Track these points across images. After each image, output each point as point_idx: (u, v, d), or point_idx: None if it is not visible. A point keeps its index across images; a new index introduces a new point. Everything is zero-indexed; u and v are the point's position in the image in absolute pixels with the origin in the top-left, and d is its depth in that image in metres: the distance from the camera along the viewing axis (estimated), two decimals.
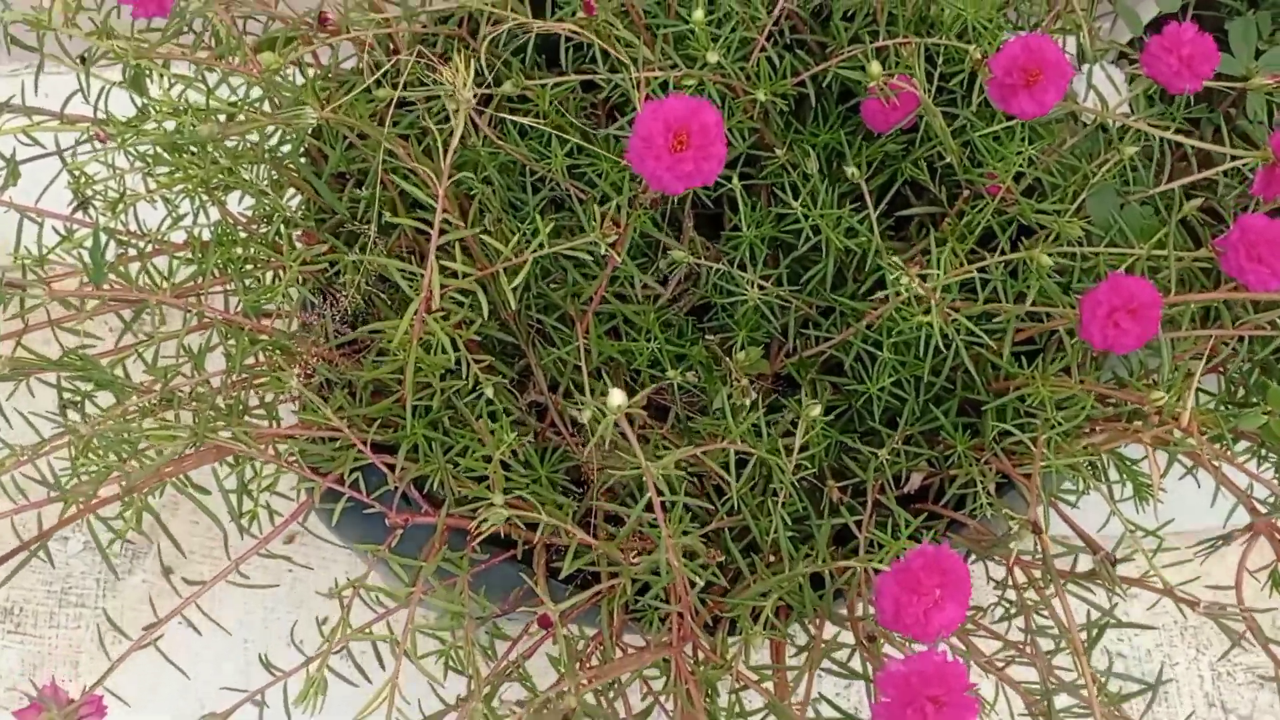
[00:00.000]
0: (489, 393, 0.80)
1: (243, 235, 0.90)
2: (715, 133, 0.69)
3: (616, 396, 0.66)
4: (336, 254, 0.88)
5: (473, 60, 0.90)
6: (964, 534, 0.85)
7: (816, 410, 0.78)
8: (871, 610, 0.77)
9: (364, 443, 0.78)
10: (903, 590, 0.65)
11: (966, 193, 0.92)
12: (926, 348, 0.80)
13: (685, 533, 0.80)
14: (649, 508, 0.71)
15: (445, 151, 0.73)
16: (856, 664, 0.81)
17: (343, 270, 0.87)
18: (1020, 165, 0.87)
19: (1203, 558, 0.94)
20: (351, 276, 0.87)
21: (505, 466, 0.87)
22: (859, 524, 0.82)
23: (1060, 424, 0.80)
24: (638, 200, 0.79)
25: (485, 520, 0.74)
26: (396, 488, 0.79)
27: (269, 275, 0.90)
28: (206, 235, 0.90)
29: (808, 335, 0.92)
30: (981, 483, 0.82)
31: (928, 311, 0.78)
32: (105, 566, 0.84)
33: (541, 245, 0.77)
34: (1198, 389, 0.84)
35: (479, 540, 0.78)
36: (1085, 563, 0.79)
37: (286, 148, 0.89)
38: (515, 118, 0.78)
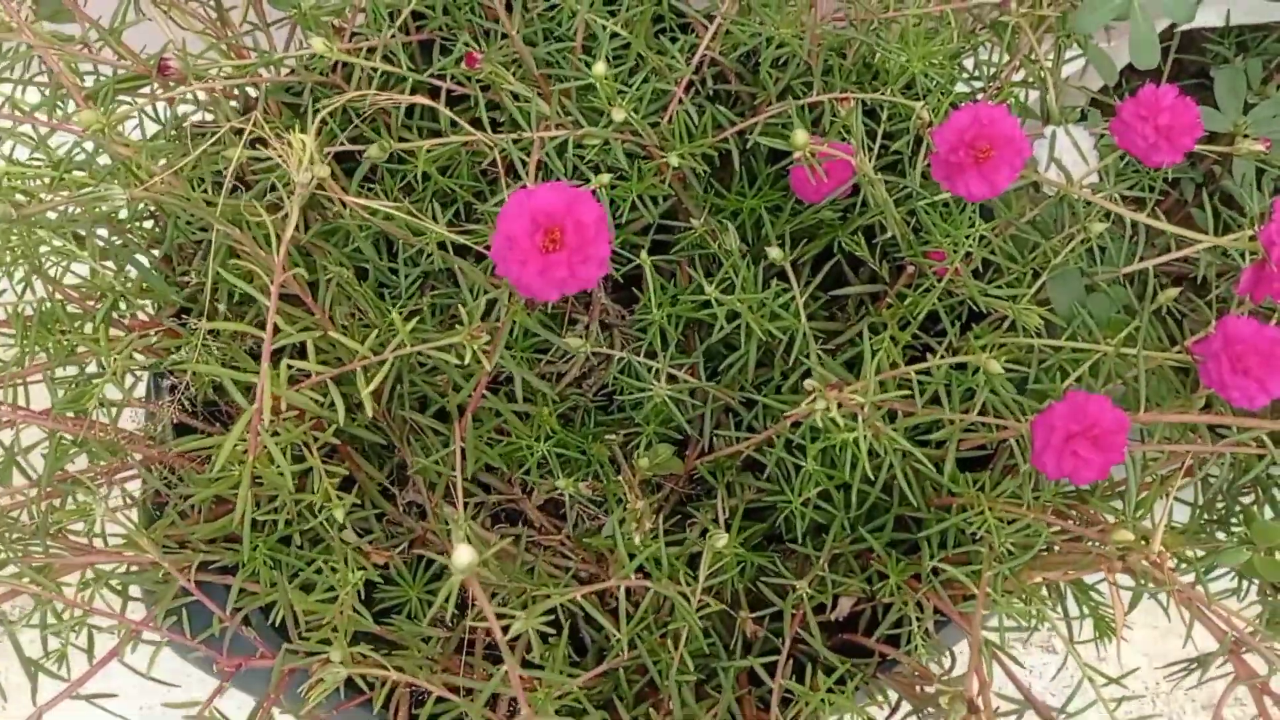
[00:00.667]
0: (339, 516, 0.68)
1: (74, 312, 0.78)
2: (594, 231, 0.57)
3: (463, 555, 0.54)
4: (178, 339, 0.76)
5: (330, 121, 0.78)
6: (896, 674, 0.73)
7: (722, 541, 0.66)
8: None
9: (189, 571, 0.66)
10: None
11: (910, 269, 0.80)
12: (853, 466, 0.68)
13: (573, 670, 0.68)
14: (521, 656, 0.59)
15: (279, 243, 0.61)
16: None
17: (183, 357, 0.75)
18: (970, 245, 0.75)
19: (1172, 686, 0.82)
20: (190, 371, 0.75)
21: (371, 586, 0.76)
22: (774, 666, 0.70)
23: (1010, 554, 0.68)
24: (515, 297, 0.67)
25: (320, 679, 0.62)
26: (226, 627, 0.67)
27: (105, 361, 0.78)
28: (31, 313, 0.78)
29: (725, 433, 0.80)
30: (918, 620, 0.70)
31: (855, 421, 0.67)
32: None
33: (403, 344, 0.65)
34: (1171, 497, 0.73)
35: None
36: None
37: (125, 212, 0.77)
38: (373, 202, 0.65)
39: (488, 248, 0.79)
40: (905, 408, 0.71)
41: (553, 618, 0.73)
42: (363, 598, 0.75)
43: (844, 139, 0.77)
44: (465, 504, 0.83)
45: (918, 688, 0.71)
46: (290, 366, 0.66)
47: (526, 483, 0.83)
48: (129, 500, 0.77)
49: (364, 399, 0.65)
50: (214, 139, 0.73)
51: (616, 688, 0.74)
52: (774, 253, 0.74)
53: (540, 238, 0.57)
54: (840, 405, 0.61)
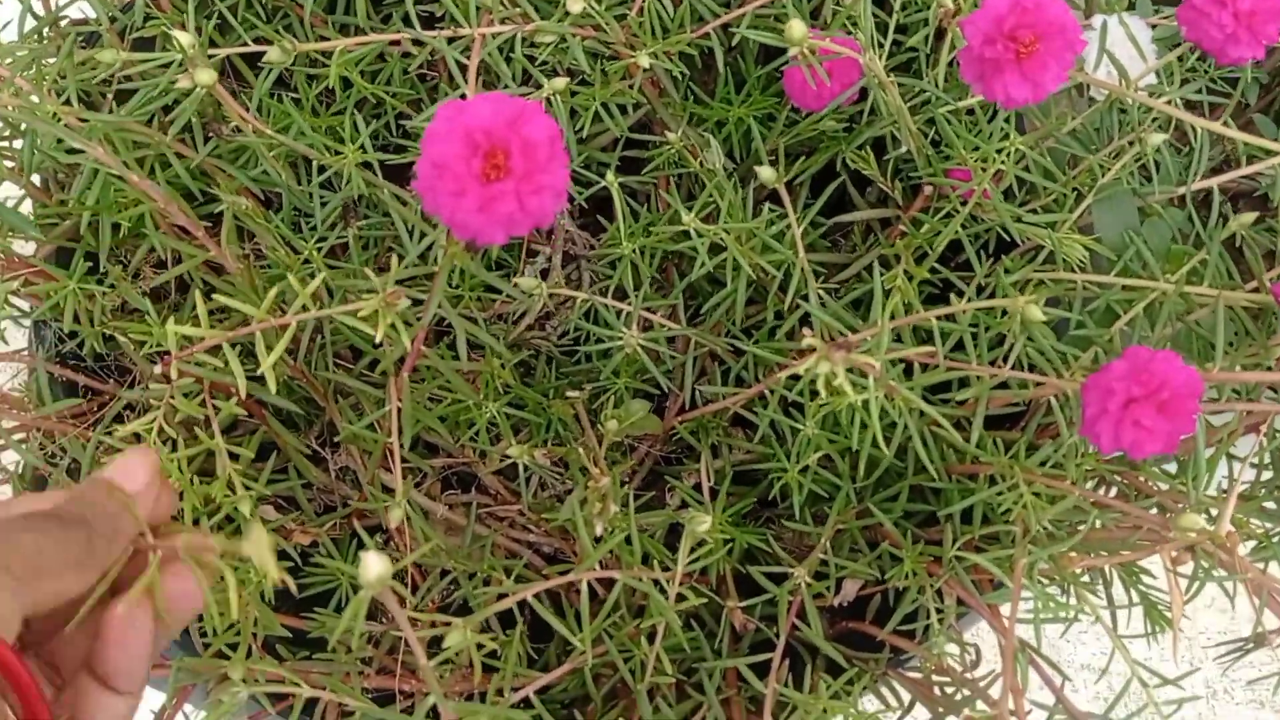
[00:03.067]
0: (246, 510, 0.56)
1: None
2: (548, 154, 0.44)
3: (373, 565, 0.43)
4: (55, 283, 0.63)
5: (230, 16, 0.65)
6: (910, 671, 0.63)
7: (704, 526, 0.55)
8: None
9: None
10: None
11: (928, 191, 0.68)
12: (862, 433, 0.56)
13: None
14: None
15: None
16: None
17: (61, 303, 0.63)
18: (1002, 161, 0.63)
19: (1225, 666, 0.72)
20: (74, 312, 0.63)
21: (295, 570, 0.65)
22: (766, 666, 0.59)
23: (1046, 534, 0.57)
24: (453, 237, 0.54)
25: (219, 703, 0.52)
26: None
27: None
28: None
29: (710, 388, 0.68)
30: (939, 613, 0.59)
31: (865, 380, 0.55)
32: None
33: (305, 307, 0.53)
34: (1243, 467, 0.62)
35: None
36: None
37: None
38: (259, 125, 0.53)
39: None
40: (925, 359, 0.59)
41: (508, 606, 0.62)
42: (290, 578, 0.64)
43: (849, 33, 0.64)
44: (408, 469, 0.71)
45: (936, 688, 0.61)
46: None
47: (472, 448, 0.71)
48: (4, 474, 0.66)
49: (266, 372, 0.53)
50: (82, 39, 0.60)
51: (585, 684, 0.64)
52: (765, 173, 0.62)
53: (480, 163, 0.44)
54: (844, 375, 0.49)
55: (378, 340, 0.48)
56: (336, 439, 0.70)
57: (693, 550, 0.58)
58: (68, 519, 0.39)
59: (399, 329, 0.50)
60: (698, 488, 0.67)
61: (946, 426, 0.55)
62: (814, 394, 0.61)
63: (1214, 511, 0.57)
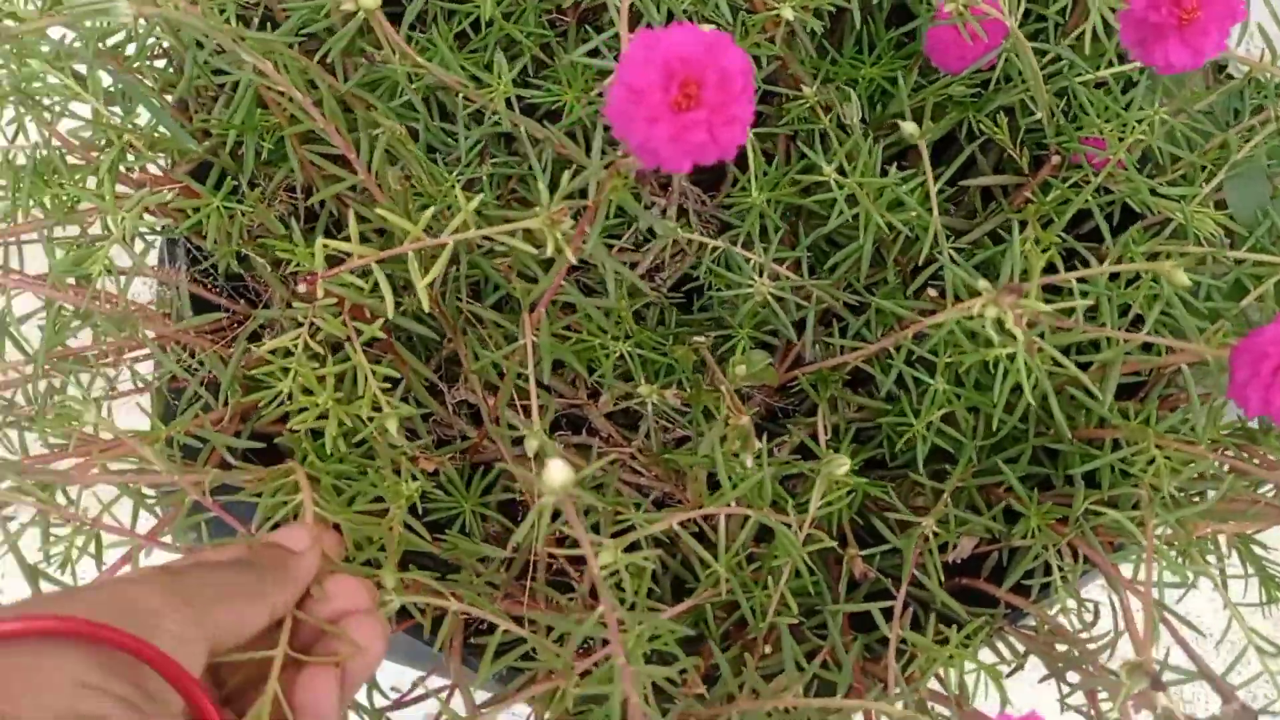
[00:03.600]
0: (392, 427, 0.57)
1: (74, 163, 0.66)
2: (740, 85, 0.45)
3: (557, 472, 0.43)
4: (198, 199, 0.64)
5: None
6: (1027, 627, 0.64)
7: (843, 469, 0.56)
8: None
9: (207, 492, 0.55)
10: None
11: (1056, 159, 0.68)
12: (1002, 387, 0.57)
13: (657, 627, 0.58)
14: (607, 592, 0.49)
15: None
16: None
17: (205, 220, 0.64)
18: (1141, 131, 0.63)
19: None
20: (217, 231, 0.63)
21: (423, 500, 0.65)
22: (888, 612, 0.60)
23: (1173, 500, 0.58)
24: (614, 167, 0.55)
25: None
26: None
27: (111, 221, 0.67)
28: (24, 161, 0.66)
29: (831, 340, 0.69)
30: (1061, 570, 0.60)
31: (1002, 335, 0.56)
32: None
33: (465, 225, 0.54)
34: None
35: None
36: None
37: (129, 44, 0.64)
38: (423, 62, 0.53)
39: (558, 108, 0.68)
40: (1060, 323, 0.60)
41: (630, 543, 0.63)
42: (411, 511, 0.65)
43: None
44: (525, 407, 0.72)
45: (1056, 645, 0.62)
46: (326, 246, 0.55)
47: (592, 386, 0.72)
48: (140, 384, 0.67)
49: (419, 291, 0.54)
50: None
51: (697, 623, 0.65)
52: (908, 127, 0.62)
53: (675, 91, 0.45)
54: (1013, 320, 0.49)
55: (548, 251, 0.49)
56: (455, 370, 0.71)
57: (824, 497, 0.59)
58: (237, 563, 0.44)
59: (562, 245, 0.51)
60: (814, 440, 0.68)
61: (1087, 383, 0.56)
62: (947, 349, 0.62)
63: None
